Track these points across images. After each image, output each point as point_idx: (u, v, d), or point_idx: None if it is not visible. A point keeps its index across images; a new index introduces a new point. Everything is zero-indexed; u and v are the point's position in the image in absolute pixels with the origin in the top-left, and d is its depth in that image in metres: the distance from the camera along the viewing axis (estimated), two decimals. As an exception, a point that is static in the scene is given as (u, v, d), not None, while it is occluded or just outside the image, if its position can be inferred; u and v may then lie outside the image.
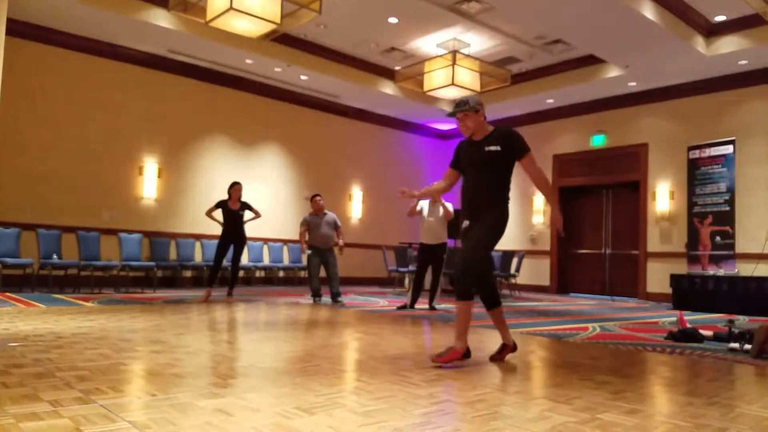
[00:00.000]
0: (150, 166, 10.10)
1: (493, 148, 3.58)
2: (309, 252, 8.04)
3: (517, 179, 13.86)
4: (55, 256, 8.36)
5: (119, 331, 4.45)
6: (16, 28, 8.39)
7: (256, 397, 2.53)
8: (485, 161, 3.59)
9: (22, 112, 8.78)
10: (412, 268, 9.80)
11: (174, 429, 2.01)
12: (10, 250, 8.13)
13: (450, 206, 7.31)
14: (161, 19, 8.67)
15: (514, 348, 3.75)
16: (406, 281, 11.25)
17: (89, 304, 6.45)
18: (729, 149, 9.43)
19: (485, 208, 3.59)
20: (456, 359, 3.44)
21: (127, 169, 9.89)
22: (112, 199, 9.67)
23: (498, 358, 3.70)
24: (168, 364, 3.18)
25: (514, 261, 11.05)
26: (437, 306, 7.52)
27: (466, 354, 3.50)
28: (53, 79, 9.18)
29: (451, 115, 3.71)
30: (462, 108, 3.67)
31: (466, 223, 3.67)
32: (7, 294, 7.29)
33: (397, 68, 10.99)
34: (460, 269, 3.50)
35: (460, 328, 3.51)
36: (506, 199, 3.67)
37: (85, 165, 9.40)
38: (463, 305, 3.51)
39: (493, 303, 3.69)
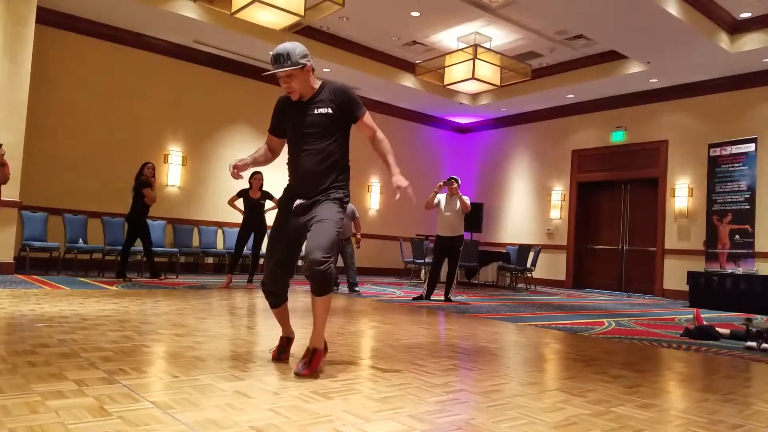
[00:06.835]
0: (175, 154, 10.25)
1: (323, 110, 2.90)
2: None
3: (536, 174, 13.52)
4: (80, 241, 8.55)
5: (142, 314, 4.55)
6: (45, 17, 8.57)
7: (274, 380, 2.60)
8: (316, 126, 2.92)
9: (49, 98, 8.93)
10: (428, 259, 9.84)
11: (195, 410, 2.08)
12: (37, 233, 8.32)
13: (467, 199, 7.41)
14: (187, 9, 8.77)
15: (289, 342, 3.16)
16: (423, 273, 11.30)
17: (113, 288, 6.58)
18: (751, 147, 9.32)
19: (322, 187, 2.92)
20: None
21: (152, 157, 9.96)
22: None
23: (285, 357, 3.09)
24: (189, 347, 3.27)
25: (531, 255, 11.06)
26: (453, 298, 7.56)
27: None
28: (80, 67, 9.32)
29: (274, 73, 2.92)
30: (283, 66, 2.86)
31: (299, 202, 2.99)
32: (34, 276, 7.46)
33: (417, 61, 11.00)
34: (315, 270, 2.94)
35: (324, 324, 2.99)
36: (348, 176, 3.06)
37: (111, 152, 9.56)
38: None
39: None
